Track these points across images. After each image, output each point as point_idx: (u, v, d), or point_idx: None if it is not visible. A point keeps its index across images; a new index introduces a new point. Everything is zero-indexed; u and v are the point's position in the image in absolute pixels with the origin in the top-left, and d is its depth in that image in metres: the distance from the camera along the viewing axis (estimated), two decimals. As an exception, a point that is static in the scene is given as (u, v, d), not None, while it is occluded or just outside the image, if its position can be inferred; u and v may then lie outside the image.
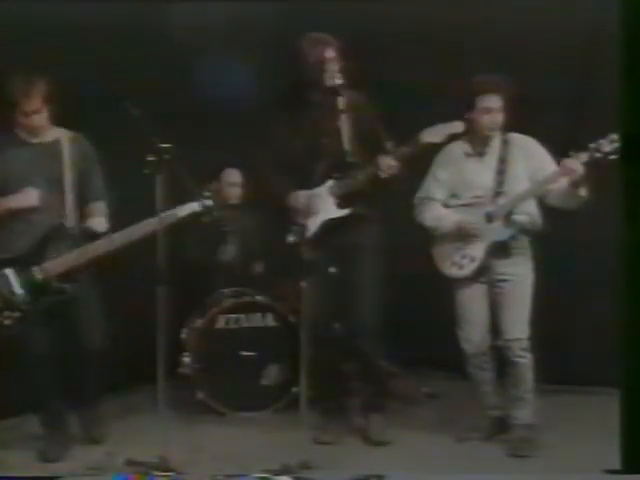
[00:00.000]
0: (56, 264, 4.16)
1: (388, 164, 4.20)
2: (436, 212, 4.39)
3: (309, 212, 4.24)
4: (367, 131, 4.31)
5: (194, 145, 4.97)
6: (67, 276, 4.17)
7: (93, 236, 4.22)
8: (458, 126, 4.16)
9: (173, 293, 4.04)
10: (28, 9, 4.63)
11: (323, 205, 4.31)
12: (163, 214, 4.02)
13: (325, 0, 5.25)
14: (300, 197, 4.36)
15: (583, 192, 4.09)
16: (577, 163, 4.01)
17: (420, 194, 4.44)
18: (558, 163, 4.16)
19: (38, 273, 4.15)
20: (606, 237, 4.27)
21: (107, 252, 4.18)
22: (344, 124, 4.30)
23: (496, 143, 4.31)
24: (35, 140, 4.23)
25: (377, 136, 4.30)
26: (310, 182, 4.27)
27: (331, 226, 4.33)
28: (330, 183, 4.32)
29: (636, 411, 3.43)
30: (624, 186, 3.46)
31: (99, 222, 4.27)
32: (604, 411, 4.46)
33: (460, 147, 4.36)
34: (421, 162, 4.37)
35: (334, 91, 4.27)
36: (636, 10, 3.48)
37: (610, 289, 3.99)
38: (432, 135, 4.17)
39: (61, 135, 4.26)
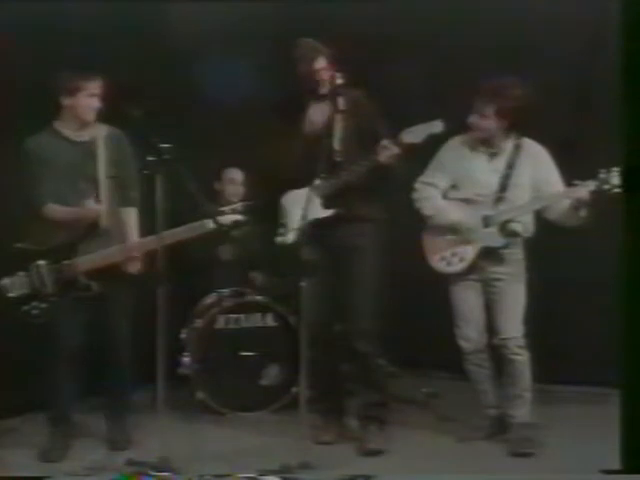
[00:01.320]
0: (86, 261, 4.23)
1: (391, 153, 4.16)
2: (435, 203, 4.38)
3: (299, 213, 4.24)
4: (365, 130, 4.29)
5: (194, 145, 4.98)
6: (96, 274, 4.23)
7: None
8: (437, 126, 4.15)
9: (173, 293, 4.04)
10: (29, 9, 4.64)
11: (311, 206, 4.30)
12: (193, 224, 4.12)
13: (325, 1, 5.26)
14: (290, 197, 4.35)
15: (583, 213, 4.11)
16: (583, 191, 4.05)
17: (422, 179, 4.43)
18: (565, 178, 4.19)
19: (68, 268, 4.21)
20: (606, 237, 4.28)
21: (136, 255, 4.28)
22: (338, 124, 4.30)
23: (508, 146, 4.31)
24: (76, 137, 4.27)
25: (375, 135, 4.27)
26: (303, 183, 4.26)
27: (319, 226, 4.29)
28: (317, 183, 4.32)
29: (636, 411, 3.43)
30: (626, 218, 3.48)
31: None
32: (604, 411, 4.47)
33: (472, 141, 4.36)
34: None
35: (329, 94, 4.27)
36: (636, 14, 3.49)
37: (610, 289, 3.99)
38: (413, 136, 4.15)
39: (98, 132, 4.30)
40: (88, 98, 4.22)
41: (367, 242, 4.37)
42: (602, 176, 4.04)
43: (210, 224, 4.14)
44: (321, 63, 4.27)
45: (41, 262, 4.22)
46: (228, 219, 4.16)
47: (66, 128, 4.28)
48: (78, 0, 4.83)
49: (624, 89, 3.50)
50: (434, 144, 4.27)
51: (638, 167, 3.48)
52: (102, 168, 4.26)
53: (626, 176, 3.63)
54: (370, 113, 4.34)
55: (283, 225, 4.40)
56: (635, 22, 3.49)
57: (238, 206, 4.24)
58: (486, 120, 4.24)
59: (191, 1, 5.34)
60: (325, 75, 4.26)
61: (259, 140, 4.56)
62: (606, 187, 4.02)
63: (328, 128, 4.30)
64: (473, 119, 4.27)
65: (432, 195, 4.40)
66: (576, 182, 4.11)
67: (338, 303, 4.45)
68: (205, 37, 5.40)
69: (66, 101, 4.23)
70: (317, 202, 4.30)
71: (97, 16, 4.93)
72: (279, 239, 4.39)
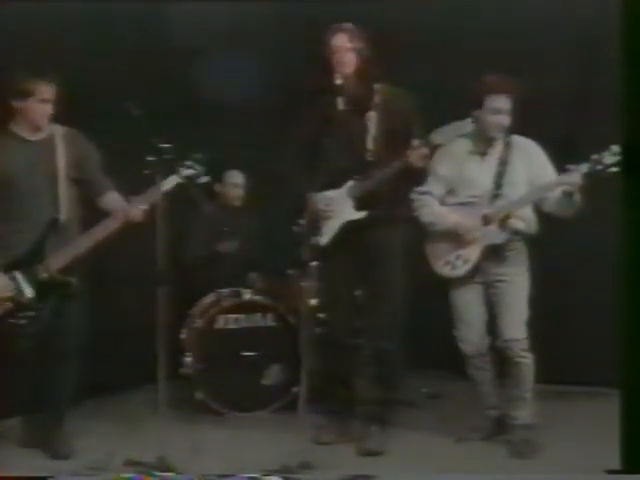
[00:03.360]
0: (57, 259, 4.20)
1: (421, 153, 4.14)
2: (433, 209, 4.38)
3: (329, 214, 4.23)
4: (397, 130, 4.23)
5: (194, 145, 4.97)
6: (69, 269, 4.21)
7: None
8: (469, 126, 4.14)
9: (173, 293, 4.04)
10: (29, 8, 4.64)
11: (342, 207, 4.28)
12: (149, 191, 4.08)
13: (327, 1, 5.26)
14: (319, 199, 4.30)
15: (577, 199, 4.08)
16: (577, 175, 4.02)
17: (418, 188, 4.42)
18: (558, 168, 4.17)
19: (42, 270, 4.18)
20: (606, 237, 4.28)
21: (104, 238, 4.22)
22: (372, 121, 4.26)
23: (499, 144, 4.30)
24: (32, 137, 4.24)
25: (407, 134, 4.19)
26: (330, 183, 4.23)
27: (350, 228, 4.29)
28: (350, 184, 4.28)
29: (636, 411, 3.43)
30: (624, 197, 3.46)
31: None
32: (604, 411, 4.47)
33: (463, 144, 4.34)
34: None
35: (358, 86, 4.21)
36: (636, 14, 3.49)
37: (610, 289, 3.99)
38: (443, 136, 4.14)
39: (55, 131, 4.28)
40: (39, 103, 4.17)
41: (394, 243, 4.36)
42: (595, 157, 3.99)
43: (166, 186, 4.11)
44: (345, 41, 4.20)
45: (15, 272, 4.16)
46: (169, 183, 4.15)
47: (21, 130, 4.24)
48: (79, 0, 4.84)
49: (624, 84, 3.50)
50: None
51: (635, 147, 3.46)
52: (62, 167, 4.23)
53: (624, 157, 3.61)
54: (405, 111, 4.27)
55: (306, 227, 4.36)
56: (635, 22, 3.50)
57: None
58: (498, 115, 4.20)
59: (191, 0, 5.34)
60: (350, 55, 4.20)
61: (263, 140, 4.55)
62: (599, 168, 3.96)
63: (357, 126, 4.26)
64: (484, 115, 4.22)
65: (429, 203, 4.39)
66: (569, 167, 4.07)
67: (358, 306, 4.47)
68: (205, 36, 5.40)
69: (18, 104, 4.18)
70: (350, 204, 4.28)
71: (97, 16, 4.94)
72: (311, 241, 4.33)
